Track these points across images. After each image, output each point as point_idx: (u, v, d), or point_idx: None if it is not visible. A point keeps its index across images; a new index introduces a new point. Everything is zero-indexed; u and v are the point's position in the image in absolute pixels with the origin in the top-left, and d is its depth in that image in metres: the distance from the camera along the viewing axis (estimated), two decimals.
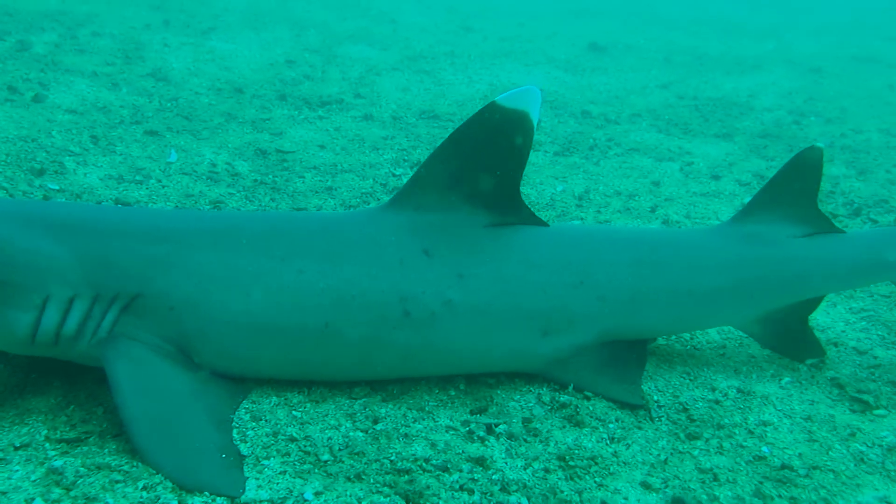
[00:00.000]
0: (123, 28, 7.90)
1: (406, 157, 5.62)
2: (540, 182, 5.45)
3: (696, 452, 2.76)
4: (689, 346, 3.53)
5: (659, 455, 2.73)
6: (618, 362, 3.08)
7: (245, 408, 2.69)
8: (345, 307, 2.70)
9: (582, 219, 4.92)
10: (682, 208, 5.22)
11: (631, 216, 5.04)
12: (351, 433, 2.65)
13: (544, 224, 3.04)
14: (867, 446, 2.86)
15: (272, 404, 2.73)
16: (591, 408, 2.93)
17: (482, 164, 2.84)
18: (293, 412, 2.71)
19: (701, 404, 3.05)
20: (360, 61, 8.22)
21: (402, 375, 2.96)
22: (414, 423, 2.76)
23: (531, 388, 3.02)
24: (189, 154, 5.09)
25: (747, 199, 5.46)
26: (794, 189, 3.25)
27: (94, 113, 5.48)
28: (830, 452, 2.81)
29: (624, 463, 2.67)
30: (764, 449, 2.80)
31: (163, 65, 6.82)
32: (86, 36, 7.41)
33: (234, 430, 2.57)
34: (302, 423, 2.66)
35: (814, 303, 3.34)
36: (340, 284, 2.71)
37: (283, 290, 2.68)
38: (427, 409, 2.86)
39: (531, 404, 2.94)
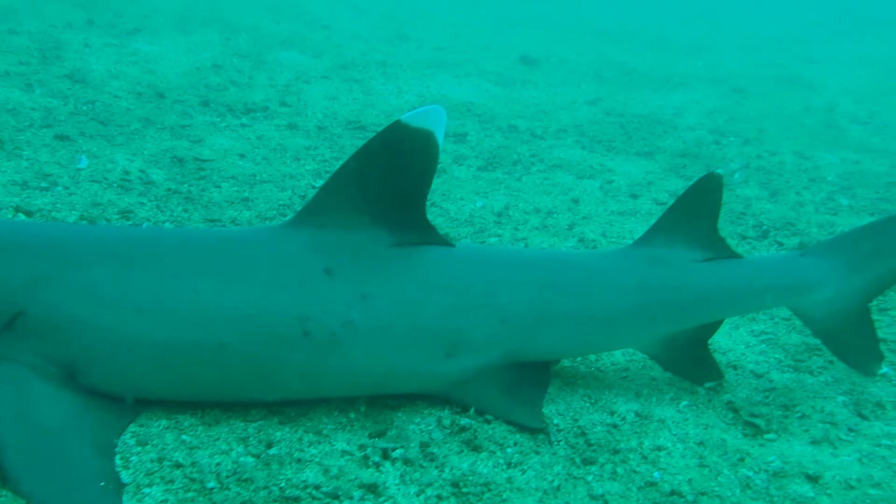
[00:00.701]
0: (43, 26, 7.68)
1: (328, 169, 5.58)
2: (461, 197, 5.47)
3: (589, 478, 2.79)
4: (593, 369, 3.57)
5: (553, 481, 2.75)
6: (520, 385, 3.10)
7: (132, 431, 2.63)
8: (241, 327, 2.66)
9: (499, 236, 4.95)
10: (598, 227, 5.30)
11: (548, 234, 5.09)
12: (241, 458, 2.61)
13: (450, 244, 3.05)
14: (754, 471, 2.93)
15: (161, 427, 2.67)
16: (490, 432, 2.94)
17: (387, 182, 2.83)
18: (183, 436, 2.66)
19: (599, 428, 3.09)
20: (289, 68, 8.14)
21: (302, 397, 2.93)
22: (309, 447, 2.74)
23: (433, 411, 3.02)
24: (101, 160, 4.96)
25: None
26: (696, 214, 3.32)
27: (1, 114, 5.31)
28: (719, 478, 2.88)
29: (517, 489, 2.69)
30: (656, 474, 2.85)
31: (82, 66, 6.64)
32: (1, 33, 7.18)
33: (118, 456, 2.51)
34: (191, 448, 2.61)
35: (713, 327, 3.42)
36: (236, 303, 2.67)
37: (176, 308, 2.63)
38: (325, 432, 2.83)
39: (431, 428, 2.94)
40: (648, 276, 3.23)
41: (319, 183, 5.33)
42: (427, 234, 2.96)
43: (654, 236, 3.33)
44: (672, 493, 2.76)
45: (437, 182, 5.69)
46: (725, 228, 5.44)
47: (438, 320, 2.90)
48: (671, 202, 5.80)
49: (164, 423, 2.70)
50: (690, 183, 6.25)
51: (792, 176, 6.81)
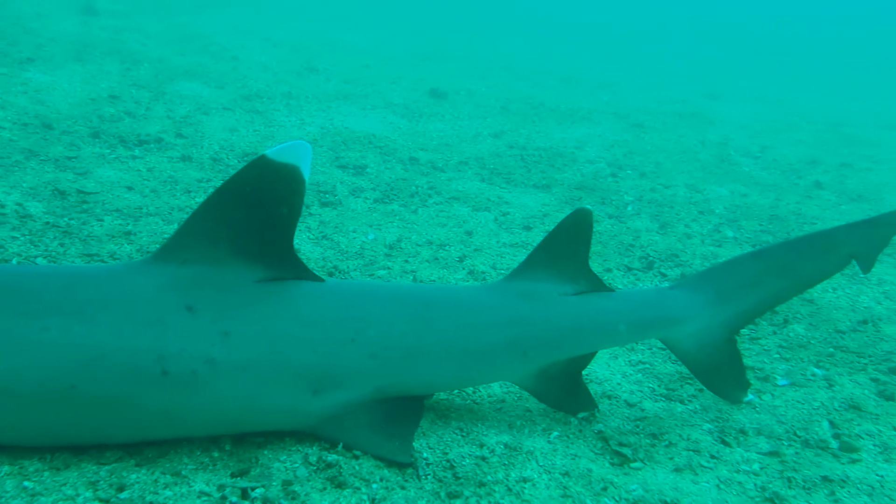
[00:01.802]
0: None
1: None
2: (353, 230, 5.47)
3: None
4: (468, 401, 3.59)
5: None
6: (391, 419, 3.09)
7: None
8: (94, 367, 2.59)
9: (389, 268, 4.96)
10: (489, 259, 5.36)
11: (439, 266, 5.12)
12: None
13: (319, 279, 3.04)
14: (615, 500, 2.98)
15: (2, 474, 2.57)
16: (357, 467, 2.92)
17: (252, 217, 2.80)
18: (25, 482, 2.55)
19: (468, 461, 3.10)
20: (190, 99, 8.04)
21: (162, 437, 2.86)
22: (164, 489, 2.66)
23: (300, 448, 2.98)
24: None
25: None
26: (567, 249, 3.37)
27: None
28: None
29: None
30: None
31: None
32: None
33: None
34: (32, 495, 2.51)
35: (586, 358, 3.47)
36: (90, 343, 2.60)
37: (23, 349, 2.55)
38: (184, 473, 2.76)
39: (296, 465, 2.90)
40: (519, 311, 3.26)
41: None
42: (295, 269, 2.94)
43: (525, 271, 3.37)
44: None
45: (331, 214, 5.69)
46: (613, 259, 5.60)
47: (305, 356, 2.87)
48: None
49: (6, 468, 2.59)
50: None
51: (682, 208, 7.02)
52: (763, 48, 25.36)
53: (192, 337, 2.70)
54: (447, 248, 5.44)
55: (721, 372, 3.67)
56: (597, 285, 3.43)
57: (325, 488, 2.80)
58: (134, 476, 2.69)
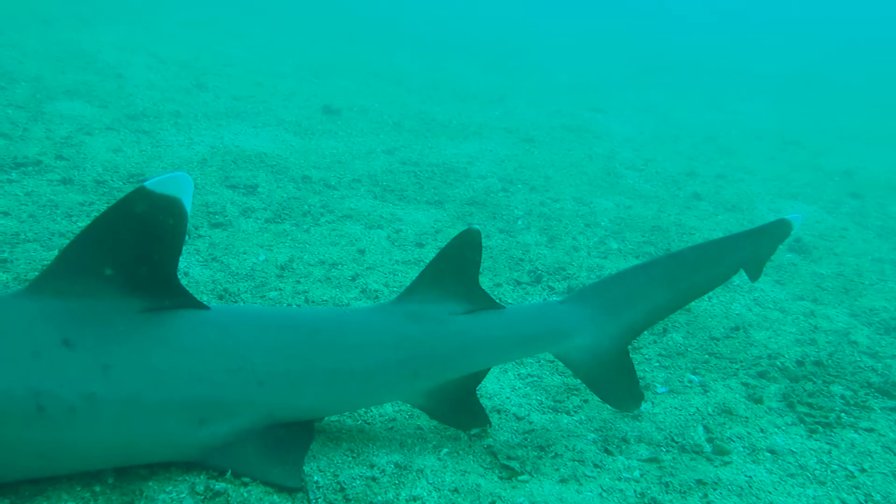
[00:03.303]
0: None
1: None
2: (244, 252, 5.42)
3: None
4: (360, 422, 3.62)
5: None
6: (280, 445, 3.09)
7: None
8: None
9: (280, 289, 4.94)
10: (382, 277, 5.40)
11: (331, 286, 5.13)
12: None
13: (204, 307, 3.01)
14: None
15: None
16: (245, 495, 2.91)
17: (132, 248, 2.75)
18: None
19: (358, 482, 3.13)
20: (71, 119, 7.78)
21: (40, 476, 2.78)
22: None
23: (186, 478, 2.95)
24: None
25: None
26: (456, 268, 3.41)
27: None
28: None
29: None
30: None
31: None
32: None
33: None
34: None
35: (479, 375, 3.53)
36: None
37: None
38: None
39: (183, 495, 2.86)
40: (408, 330, 3.29)
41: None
42: (179, 298, 2.91)
43: (414, 291, 3.41)
44: None
45: (221, 236, 5.62)
46: (503, 274, 5.73)
47: (190, 387, 2.83)
48: None
49: None
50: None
51: (570, 221, 7.24)
52: (645, 62, 26.34)
53: (69, 372, 2.63)
54: (339, 267, 5.46)
55: (615, 383, 3.72)
56: (487, 303, 3.49)
57: None
58: None
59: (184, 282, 4.78)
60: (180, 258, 5.10)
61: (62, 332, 2.66)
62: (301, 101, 11.33)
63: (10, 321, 2.67)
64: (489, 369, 3.60)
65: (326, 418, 3.50)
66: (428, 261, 5.79)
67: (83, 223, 5.36)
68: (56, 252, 4.84)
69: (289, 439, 3.12)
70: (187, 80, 11.27)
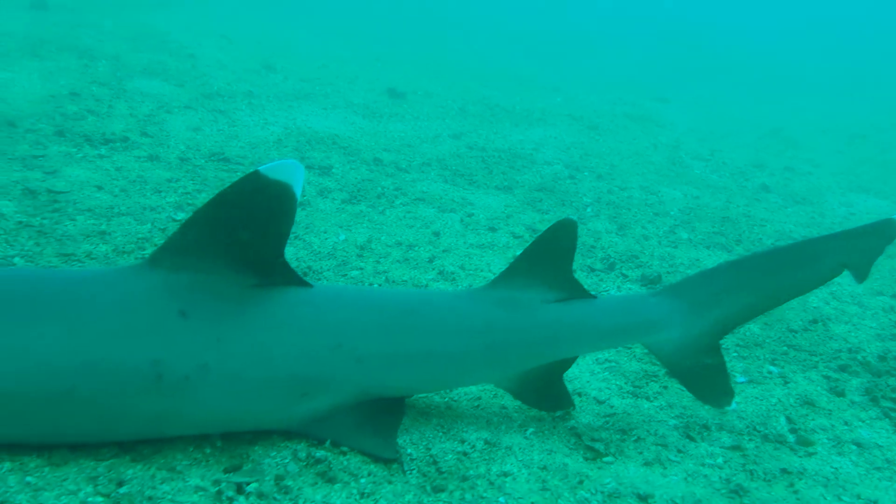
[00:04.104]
0: None
1: (190, 201, 5.55)
2: (324, 230, 5.55)
3: None
4: (447, 399, 3.73)
5: None
6: (374, 418, 3.22)
7: None
8: (90, 372, 2.65)
9: (361, 269, 5.06)
10: (457, 259, 5.50)
11: (409, 267, 5.24)
12: (90, 498, 2.59)
13: (308, 285, 3.13)
14: (591, 493, 3.14)
15: (4, 470, 2.63)
16: (345, 463, 3.04)
17: (245, 228, 2.87)
18: (27, 478, 2.62)
19: (450, 456, 3.24)
20: (151, 97, 8.01)
21: (155, 438, 2.94)
22: (162, 483, 2.74)
23: (289, 444, 3.09)
24: None
25: (518, 252, 5.86)
26: (551, 256, 3.46)
27: None
28: (559, 501, 3.07)
29: None
30: (501, 499, 3.02)
31: None
32: None
33: None
34: (36, 490, 2.57)
35: (567, 362, 3.59)
36: (85, 348, 2.66)
37: (23, 354, 2.60)
38: (178, 468, 2.85)
39: (286, 461, 3.00)
40: (499, 316, 3.36)
41: (181, 216, 5.29)
42: (285, 276, 3.03)
43: (507, 278, 3.47)
44: None
45: (300, 215, 5.76)
46: (576, 261, 5.77)
47: (294, 362, 2.97)
48: (527, 235, 6.16)
49: (7, 465, 2.65)
50: (546, 216, 6.68)
51: (639, 210, 7.26)
52: (705, 55, 26.00)
53: (185, 342, 2.78)
54: (416, 248, 5.56)
55: (705, 379, 3.68)
56: (579, 292, 3.52)
57: (316, 483, 2.91)
58: (131, 472, 2.76)
59: None
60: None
61: (179, 304, 2.81)
62: (366, 85, 11.46)
63: (133, 293, 2.82)
64: (577, 357, 3.66)
65: (411, 397, 3.61)
66: (500, 245, 5.93)
67: (171, 199, 5.55)
68: (149, 226, 5.02)
69: (382, 412, 3.25)
70: (256, 62, 11.47)
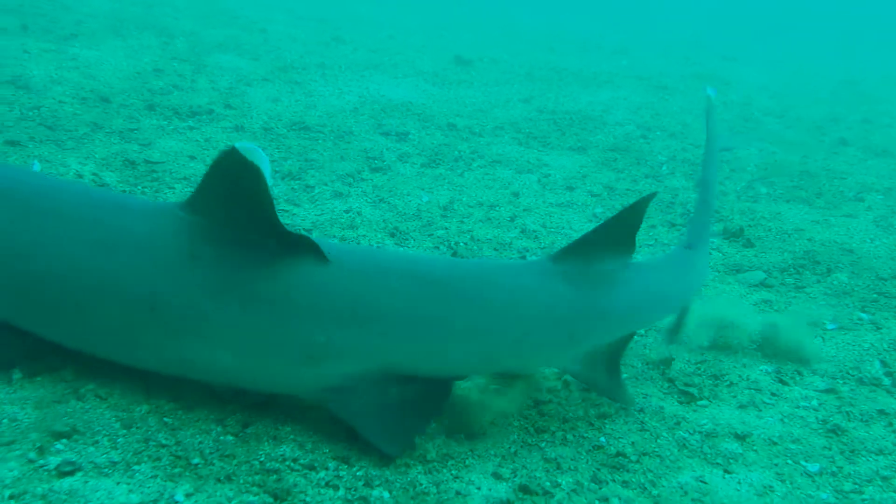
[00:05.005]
0: None
1: (277, 169, 5.75)
2: (407, 193, 5.70)
3: (542, 444, 3.06)
4: None
5: (510, 448, 3.01)
6: (403, 405, 2.91)
7: (115, 416, 2.78)
8: (96, 286, 2.79)
9: (446, 228, 5.19)
10: (538, 218, 5.59)
11: (492, 226, 5.35)
12: (222, 437, 2.79)
13: (324, 258, 2.88)
14: (689, 433, 3.24)
15: (143, 412, 2.84)
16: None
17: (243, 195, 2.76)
18: (164, 419, 2.83)
19: (548, 396, 3.36)
20: (229, 71, 8.23)
21: (162, 371, 2.92)
22: (284, 425, 2.93)
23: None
24: (53, 165, 5.04)
25: (598, 210, 5.93)
26: (622, 231, 3.23)
27: None
28: (658, 440, 3.18)
29: (478, 456, 2.93)
30: (602, 439, 3.14)
31: (23, 72, 6.64)
32: None
33: (105, 438, 2.66)
34: (173, 429, 2.78)
35: (628, 339, 3.44)
36: (98, 266, 2.79)
37: (45, 256, 2.82)
38: (296, 415, 3.01)
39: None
40: (562, 292, 3.12)
41: (269, 183, 5.48)
42: (306, 243, 2.85)
43: (576, 251, 3.19)
44: (617, 454, 3.05)
45: (382, 179, 5.92)
46: (656, 217, 5.82)
47: (299, 321, 2.81)
48: (605, 194, 6.21)
49: (145, 407, 2.86)
50: (621, 175, 6.71)
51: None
52: (772, 12, 25.32)
53: (186, 281, 2.79)
54: (497, 208, 5.67)
55: None
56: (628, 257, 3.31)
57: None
58: (255, 416, 2.94)
59: (357, 221, 5.10)
60: (350, 199, 5.43)
61: (193, 247, 2.82)
62: (433, 53, 11.53)
63: (156, 227, 2.89)
64: (633, 334, 3.51)
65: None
66: (579, 203, 6.00)
67: None
68: None
69: (415, 402, 2.93)
70: (325, 35, 11.64)
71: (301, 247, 2.84)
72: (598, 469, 2.95)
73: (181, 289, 2.79)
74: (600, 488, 2.84)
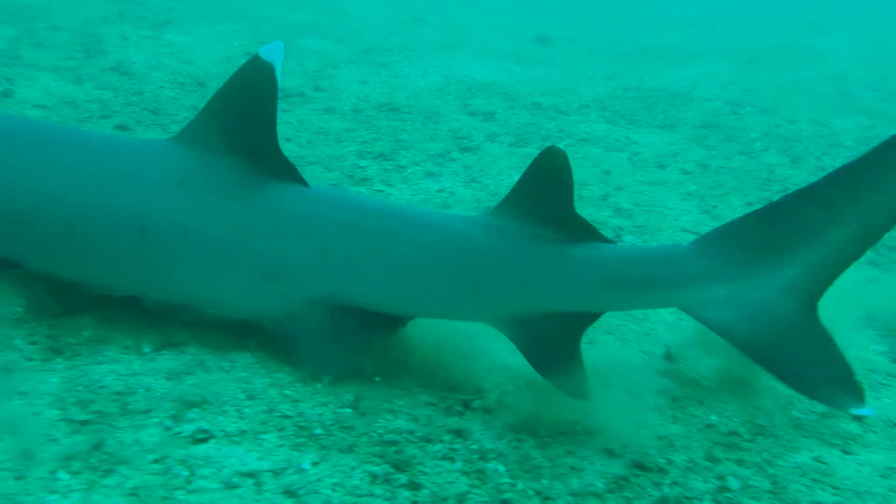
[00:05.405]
0: (79, 21, 7.91)
1: (369, 150, 5.83)
2: (498, 172, 5.71)
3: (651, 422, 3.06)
4: None
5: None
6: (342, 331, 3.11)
7: (241, 388, 2.89)
8: (87, 209, 3.02)
9: None
10: (631, 196, 5.54)
11: (585, 204, 5.33)
12: (339, 409, 2.87)
13: (305, 184, 3.16)
14: (804, 414, 3.19)
15: (265, 384, 2.94)
16: None
17: (244, 113, 3.07)
18: (284, 391, 2.92)
19: None
20: (316, 54, 8.36)
21: (138, 291, 3.16)
22: (397, 399, 2.99)
23: (502, 372, 3.24)
24: None
25: (692, 187, 5.84)
26: (547, 190, 3.01)
27: (62, 107, 5.57)
28: (774, 419, 3.14)
29: (587, 433, 2.95)
30: (713, 417, 3.12)
31: (124, 59, 6.88)
32: (44, 30, 7.42)
33: (233, 408, 2.77)
34: (294, 401, 2.88)
35: (576, 321, 3.02)
36: (90, 191, 3.03)
37: (41, 184, 3.04)
38: (407, 387, 3.08)
39: (504, 382, 3.17)
40: (483, 245, 3.04)
41: (363, 163, 5.58)
42: (283, 168, 3.12)
43: (504, 207, 3.08)
44: (730, 433, 3.03)
45: (472, 159, 5.95)
46: (752, 194, 5.71)
47: (262, 243, 3.04)
48: (697, 171, 6.12)
49: (266, 380, 2.97)
50: (713, 152, 6.61)
51: (811, 142, 7.04)
52: None
53: (172, 205, 3.04)
54: (588, 187, 5.64)
55: (799, 361, 2.83)
56: (588, 234, 3.04)
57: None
58: (368, 391, 3.02)
59: (450, 200, 5.15)
60: (443, 179, 5.47)
61: (181, 175, 3.09)
62: (513, 32, 11.50)
63: (149, 157, 3.16)
64: (592, 317, 3.05)
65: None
66: (672, 181, 5.91)
67: (352, 148, 5.84)
68: (336, 172, 5.33)
69: (350, 328, 3.09)
70: (405, 16, 11.72)
71: (283, 174, 3.12)
72: (712, 447, 2.94)
73: (167, 210, 3.02)
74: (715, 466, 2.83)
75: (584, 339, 3.04)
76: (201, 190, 3.08)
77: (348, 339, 3.08)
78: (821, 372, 2.79)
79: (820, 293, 2.85)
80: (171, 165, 3.12)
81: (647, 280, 2.97)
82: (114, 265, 3.09)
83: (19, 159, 3.09)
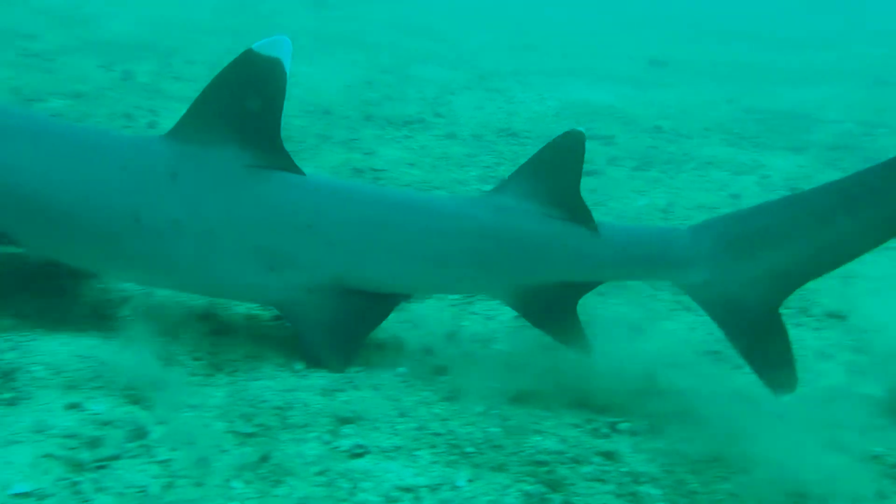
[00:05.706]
0: (209, 55, 8.29)
1: (491, 174, 5.88)
2: (623, 196, 5.67)
3: None
4: None
5: None
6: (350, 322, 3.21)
7: (392, 405, 2.93)
8: (84, 202, 3.05)
9: None
10: None
11: None
12: (488, 429, 2.87)
13: (301, 173, 3.19)
14: None
15: (414, 402, 2.97)
16: None
17: (242, 107, 3.07)
18: (432, 409, 2.95)
19: None
20: (432, 81, 8.52)
21: (140, 281, 3.33)
22: (543, 420, 2.97)
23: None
24: None
25: None
26: (556, 171, 3.18)
27: None
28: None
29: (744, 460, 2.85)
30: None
31: None
32: (179, 64, 7.82)
33: (386, 425, 2.81)
34: (443, 420, 2.89)
35: (575, 289, 3.26)
36: (88, 186, 3.07)
37: (43, 177, 3.08)
38: (554, 408, 3.06)
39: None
40: (490, 223, 3.18)
41: (486, 187, 5.62)
42: (280, 158, 3.14)
43: (508, 186, 3.25)
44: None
45: (595, 183, 5.91)
46: None
47: (262, 234, 3.08)
48: None
49: (414, 398, 3.00)
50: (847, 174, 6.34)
51: None
52: None
53: (166, 198, 3.06)
54: (718, 211, 5.50)
55: (755, 345, 3.07)
56: (586, 217, 3.19)
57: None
58: (511, 410, 3.01)
59: None
60: None
61: (173, 168, 3.10)
62: (623, 55, 11.44)
63: (143, 153, 3.17)
64: (593, 285, 3.28)
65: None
66: None
67: (474, 173, 5.90)
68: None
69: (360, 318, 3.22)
70: (514, 42, 11.81)
71: (287, 167, 3.14)
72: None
73: (161, 203, 3.06)
74: None
75: None
76: (194, 183, 3.10)
77: (352, 324, 3.19)
78: (770, 358, 3.04)
79: (784, 294, 3.08)
80: (163, 159, 3.13)
81: (645, 256, 3.21)
82: (109, 253, 3.17)
83: (17, 150, 3.14)
